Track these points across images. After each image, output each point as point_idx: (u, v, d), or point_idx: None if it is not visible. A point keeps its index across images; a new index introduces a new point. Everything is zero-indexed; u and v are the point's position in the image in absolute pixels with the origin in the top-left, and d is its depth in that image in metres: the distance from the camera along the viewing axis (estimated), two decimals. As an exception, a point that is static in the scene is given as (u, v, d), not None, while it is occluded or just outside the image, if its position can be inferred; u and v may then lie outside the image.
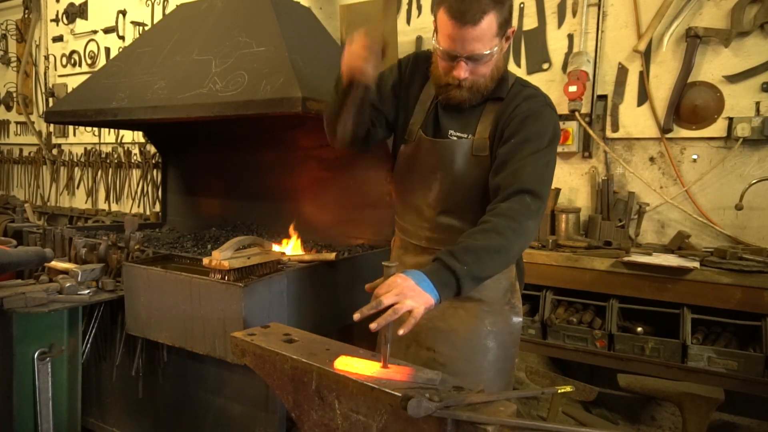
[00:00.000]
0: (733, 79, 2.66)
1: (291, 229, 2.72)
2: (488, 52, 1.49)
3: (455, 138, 1.66)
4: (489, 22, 1.45)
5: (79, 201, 5.51)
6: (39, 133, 5.71)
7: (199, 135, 3.63)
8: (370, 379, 1.27)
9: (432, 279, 1.34)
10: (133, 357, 2.44)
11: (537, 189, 1.49)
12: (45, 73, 5.61)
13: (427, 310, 1.32)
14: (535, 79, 3.11)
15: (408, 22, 3.51)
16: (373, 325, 1.28)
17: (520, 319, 1.76)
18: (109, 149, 5.20)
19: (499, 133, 1.59)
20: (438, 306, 1.36)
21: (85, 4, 5.24)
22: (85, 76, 4.58)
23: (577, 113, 2.90)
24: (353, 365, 1.34)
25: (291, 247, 2.69)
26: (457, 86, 1.58)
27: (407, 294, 1.29)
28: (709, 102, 2.71)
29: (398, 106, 1.77)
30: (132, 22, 4.85)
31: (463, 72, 1.53)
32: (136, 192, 4.98)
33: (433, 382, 1.26)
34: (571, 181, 3.10)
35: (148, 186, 4.89)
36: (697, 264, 2.44)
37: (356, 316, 1.31)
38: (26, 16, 5.71)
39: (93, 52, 5.19)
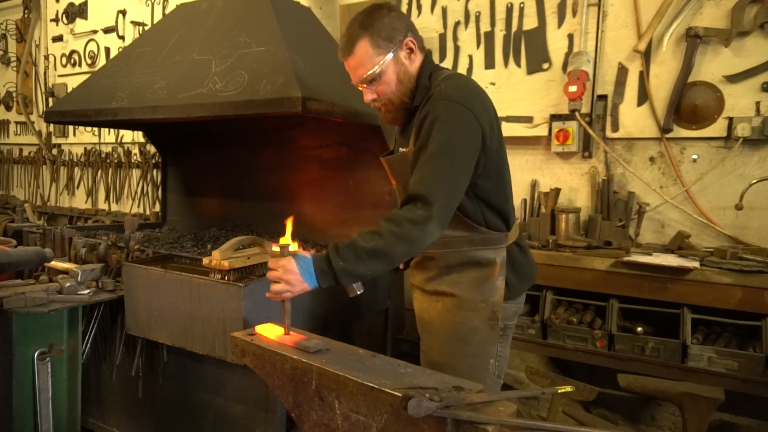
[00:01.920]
0: (733, 79, 2.66)
1: (289, 224, 2.72)
2: (372, 71, 1.63)
3: (399, 152, 1.80)
4: (362, 47, 1.63)
5: (79, 201, 5.51)
6: (39, 133, 5.71)
7: (199, 135, 3.64)
8: (276, 344, 1.57)
9: (315, 266, 1.50)
10: (133, 357, 2.44)
11: (425, 194, 1.49)
12: (45, 73, 5.61)
13: (302, 292, 1.52)
14: (535, 79, 3.12)
15: (408, 22, 3.50)
16: (267, 295, 1.56)
17: (497, 316, 1.70)
18: (109, 149, 5.20)
19: (418, 143, 1.64)
20: (340, 287, 1.54)
21: (85, 4, 5.24)
22: (85, 76, 4.58)
23: (577, 113, 2.90)
24: (266, 330, 1.65)
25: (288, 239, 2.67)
26: (379, 110, 1.76)
27: (285, 278, 1.50)
28: (709, 102, 2.71)
29: None
30: (132, 22, 4.85)
31: (367, 96, 1.71)
32: (136, 192, 4.98)
33: (318, 347, 1.51)
34: (571, 181, 3.10)
35: (148, 186, 4.89)
36: (697, 264, 2.44)
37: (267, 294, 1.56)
38: (26, 15, 5.71)
39: (93, 52, 5.19)
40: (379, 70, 1.64)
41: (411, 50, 1.68)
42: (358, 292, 1.56)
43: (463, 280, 1.71)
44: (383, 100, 1.71)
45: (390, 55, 1.64)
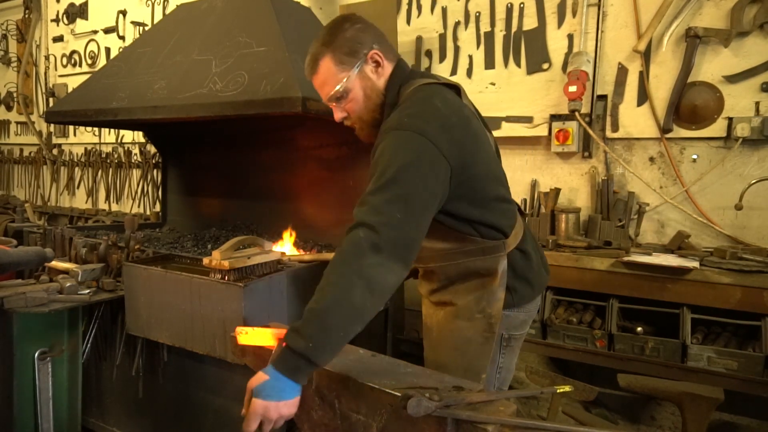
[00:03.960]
0: (732, 79, 2.66)
1: (288, 233, 2.76)
2: (337, 89, 1.56)
3: None
4: (325, 64, 1.55)
5: (80, 201, 5.51)
6: (39, 133, 5.71)
7: (199, 135, 3.64)
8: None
9: (283, 371, 1.26)
10: (133, 357, 2.44)
11: (369, 221, 1.30)
12: (45, 73, 5.61)
13: (290, 412, 1.29)
14: (535, 79, 3.12)
15: (408, 22, 3.51)
16: None
17: (494, 327, 1.61)
18: (109, 149, 5.20)
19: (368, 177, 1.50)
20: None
21: (86, 4, 5.24)
22: (85, 76, 4.58)
23: (577, 113, 2.91)
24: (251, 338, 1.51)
25: (288, 248, 2.70)
26: (353, 129, 1.68)
27: (268, 417, 1.27)
28: (708, 102, 2.71)
29: None
30: (132, 22, 4.85)
31: (337, 115, 1.63)
32: (136, 192, 4.98)
33: None
34: (571, 181, 3.10)
35: (148, 186, 4.89)
36: (696, 264, 2.44)
37: None
38: (26, 16, 5.71)
39: (93, 52, 5.19)
40: (342, 88, 1.55)
41: (378, 63, 1.58)
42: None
43: (462, 289, 1.65)
44: (353, 118, 1.64)
45: (355, 71, 1.55)
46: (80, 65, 5.32)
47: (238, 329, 1.52)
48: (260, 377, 1.29)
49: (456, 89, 1.64)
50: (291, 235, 2.81)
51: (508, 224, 1.63)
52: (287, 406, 1.28)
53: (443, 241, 1.59)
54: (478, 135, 1.58)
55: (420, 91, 1.54)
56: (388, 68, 1.61)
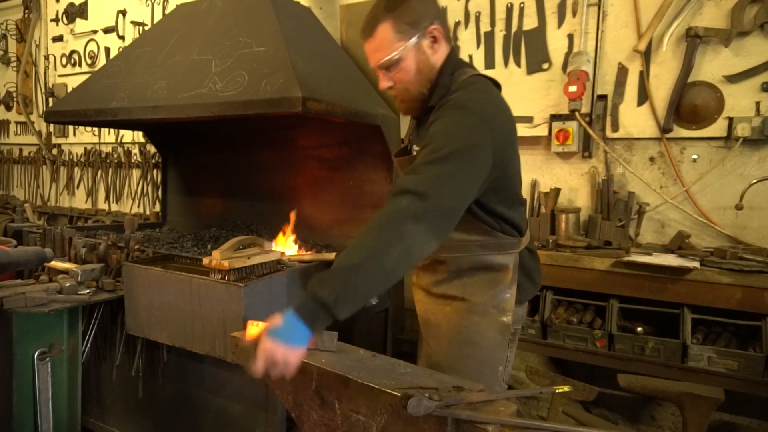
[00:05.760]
0: (733, 79, 2.66)
1: (291, 218, 2.72)
2: (391, 56, 1.53)
3: (414, 152, 1.70)
4: (384, 30, 1.53)
5: (79, 201, 5.51)
6: (39, 133, 5.71)
7: (199, 135, 3.64)
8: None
9: (301, 315, 1.28)
10: (133, 357, 2.44)
11: (420, 189, 1.31)
12: (45, 73, 5.61)
13: (299, 359, 1.31)
14: (535, 79, 3.12)
15: (408, 22, 3.50)
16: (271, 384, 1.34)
17: (507, 321, 1.66)
18: (109, 149, 5.19)
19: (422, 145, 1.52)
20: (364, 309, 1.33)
21: (85, 4, 5.24)
22: (85, 76, 4.57)
23: (577, 113, 2.90)
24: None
25: (286, 244, 2.68)
26: (395, 98, 1.67)
27: (273, 359, 1.28)
28: (709, 102, 2.70)
29: None
30: (132, 22, 4.85)
31: (383, 83, 1.61)
32: (136, 192, 4.98)
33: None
34: (571, 181, 3.10)
35: (148, 186, 4.89)
36: (697, 264, 2.44)
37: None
38: (26, 15, 5.71)
39: (93, 52, 5.19)
40: (398, 56, 1.54)
41: (435, 39, 1.57)
42: (373, 302, 1.47)
43: (473, 284, 1.66)
44: (399, 89, 1.62)
45: (412, 42, 1.53)
46: (80, 65, 5.32)
47: (250, 322, 1.54)
48: (277, 320, 1.31)
49: (498, 85, 1.68)
50: (288, 234, 2.79)
51: (524, 224, 1.71)
52: (293, 354, 1.29)
53: (466, 233, 1.61)
54: (515, 135, 1.64)
55: (481, 81, 1.58)
56: (443, 48, 1.61)
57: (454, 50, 1.65)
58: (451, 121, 1.44)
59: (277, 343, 1.28)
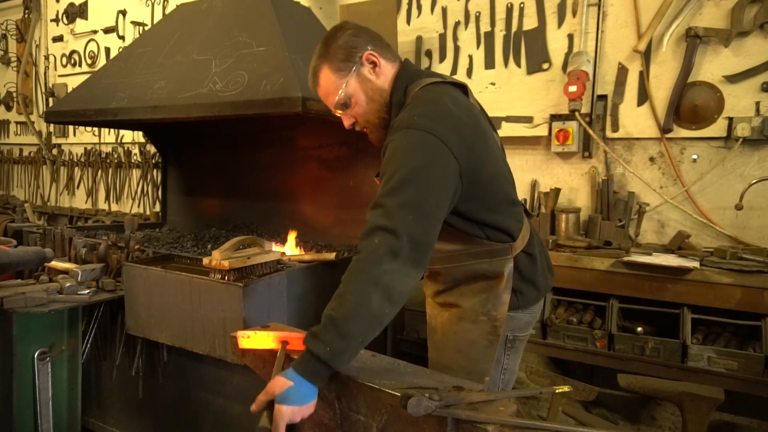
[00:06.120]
0: (733, 79, 2.66)
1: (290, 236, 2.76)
2: (339, 96, 1.57)
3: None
4: (325, 75, 1.58)
5: (79, 201, 5.51)
6: (39, 133, 5.71)
7: (199, 135, 3.64)
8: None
9: (304, 375, 1.29)
10: (133, 357, 2.44)
11: (389, 225, 1.30)
12: (45, 73, 5.61)
13: (314, 405, 1.33)
14: (535, 79, 3.12)
15: (408, 22, 3.51)
16: None
17: (498, 328, 1.60)
18: (109, 149, 5.20)
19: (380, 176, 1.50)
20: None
21: (85, 4, 5.24)
22: (85, 76, 4.58)
23: (577, 113, 2.90)
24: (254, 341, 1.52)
25: (289, 248, 2.70)
26: (362, 133, 1.68)
27: (293, 421, 1.31)
28: (709, 102, 2.71)
29: None
30: (132, 22, 4.85)
31: (345, 122, 1.65)
32: (136, 192, 4.98)
33: None
34: (571, 181, 3.10)
35: (148, 186, 4.89)
36: (697, 264, 2.44)
37: None
38: (26, 16, 5.71)
39: (93, 52, 5.19)
40: (343, 92, 1.56)
41: (374, 64, 1.58)
42: None
43: (469, 291, 1.64)
44: (361, 122, 1.64)
45: (352, 74, 1.56)
46: (80, 65, 5.32)
47: (240, 333, 1.52)
48: (283, 383, 1.30)
49: (463, 88, 1.64)
50: (293, 237, 2.82)
51: (516, 227, 1.63)
52: (309, 408, 1.32)
53: (450, 243, 1.58)
54: (487, 135, 1.57)
55: (429, 91, 1.53)
56: (387, 68, 1.60)
57: (405, 64, 1.63)
58: (396, 145, 1.40)
59: (291, 407, 1.30)
